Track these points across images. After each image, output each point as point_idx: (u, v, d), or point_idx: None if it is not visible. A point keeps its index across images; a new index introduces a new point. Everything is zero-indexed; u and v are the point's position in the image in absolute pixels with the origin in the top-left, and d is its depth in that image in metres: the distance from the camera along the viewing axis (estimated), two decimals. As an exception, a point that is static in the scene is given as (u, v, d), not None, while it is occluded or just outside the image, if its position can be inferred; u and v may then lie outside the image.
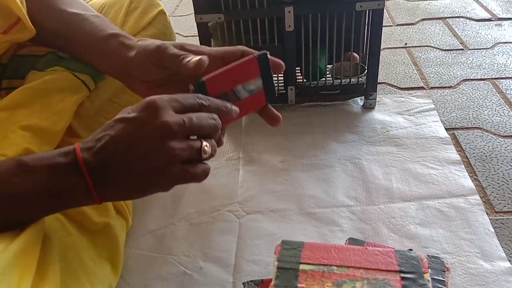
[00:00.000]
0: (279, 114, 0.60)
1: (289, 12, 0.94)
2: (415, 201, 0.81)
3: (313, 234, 0.76)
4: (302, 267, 0.44)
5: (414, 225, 0.76)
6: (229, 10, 0.95)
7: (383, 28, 0.98)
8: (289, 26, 0.96)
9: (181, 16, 1.73)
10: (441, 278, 0.58)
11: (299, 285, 0.41)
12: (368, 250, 0.47)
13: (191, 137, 0.50)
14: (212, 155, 0.51)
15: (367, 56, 1.02)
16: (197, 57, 0.54)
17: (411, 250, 0.52)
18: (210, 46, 1.00)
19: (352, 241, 0.72)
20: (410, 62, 1.27)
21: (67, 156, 0.48)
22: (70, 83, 0.76)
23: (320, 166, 0.90)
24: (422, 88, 1.15)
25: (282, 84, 1.07)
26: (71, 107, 0.75)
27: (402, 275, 0.44)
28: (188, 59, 0.55)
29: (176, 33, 1.56)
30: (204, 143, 0.50)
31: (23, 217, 0.49)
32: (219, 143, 0.55)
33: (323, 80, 1.06)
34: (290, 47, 0.99)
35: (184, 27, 1.61)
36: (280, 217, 0.80)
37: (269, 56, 0.55)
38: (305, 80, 1.07)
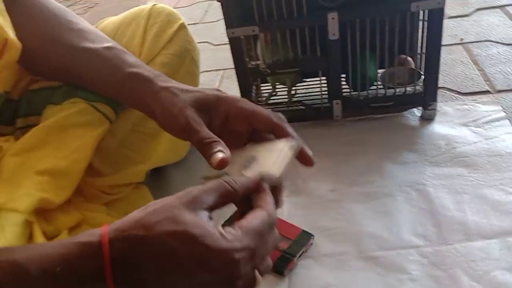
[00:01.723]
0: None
1: (333, 18, 0.82)
2: (498, 238, 0.68)
3: (377, 284, 0.64)
4: None
5: (500, 270, 0.63)
6: (263, 21, 0.84)
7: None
8: (333, 34, 0.84)
9: (210, 22, 1.63)
10: None
11: None
12: None
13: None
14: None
15: (424, 60, 0.89)
16: (220, 155, 0.48)
17: None
18: (245, 60, 0.89)
19: (427, 295, 0.60)
20: (470, 61, 1.13)
21: (89, 261, 0.38)
22: (90, 117, 0.69)
23: (377, 195, 0.78)
24: (487, 92, 1.00)
25: (326, 98, 0.95)
26: (91, 143, 0.67)
27: None
28: (214, 151, 0.49)
29: (206, 42, 1.47)
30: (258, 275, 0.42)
31: None
32: None
33: (374, 90, 0.93)
34: (334, 57, 0.87)
35: (214, 34, 1.51)
36: (336, 263, 0.68)
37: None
38: (352, 92, 0.94)
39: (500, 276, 0.62)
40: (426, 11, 0.84)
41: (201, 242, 0.37)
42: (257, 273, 0.41)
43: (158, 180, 0.86)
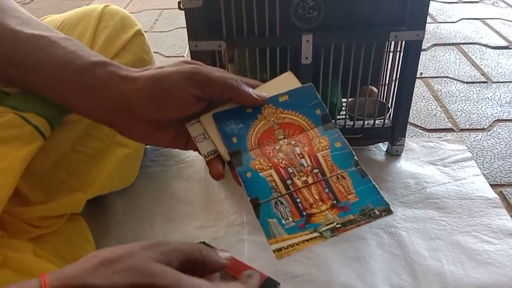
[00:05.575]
0: None
1: (308, 41, 0.75)
2: (477, 292, 0.63)
3: None
4: None
5: (483, 330, 0.58)
6: (232, 37, 0.75)
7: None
8: (306, 58, 0.77)
9: (161, 32, 1.52)
10: None
11: None
12: None
13: None
14: None
15: (395, 93, 0.85)
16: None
17: None
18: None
19: None
20: (431, 96, 1.11)
21: None
22: (18, 131, 0.55)
23: (348, 238, 0.71)
24: (451, 130, 0.98)
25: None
26: (18, 165, 0.54)
27: None
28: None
29: (156, 52, 1.35)
30: None
31: None
32: None
33: (342, 121, 0.87)
34: (305, 83, 0.80)
35: (165, 45, 1.40)
36: (306, 318, 0.60)
37: None
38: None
39: (483, 337, 0.57)
40: (403, 42, 0.79)
41: None
42: None
43: (96, 209, 0.74)
